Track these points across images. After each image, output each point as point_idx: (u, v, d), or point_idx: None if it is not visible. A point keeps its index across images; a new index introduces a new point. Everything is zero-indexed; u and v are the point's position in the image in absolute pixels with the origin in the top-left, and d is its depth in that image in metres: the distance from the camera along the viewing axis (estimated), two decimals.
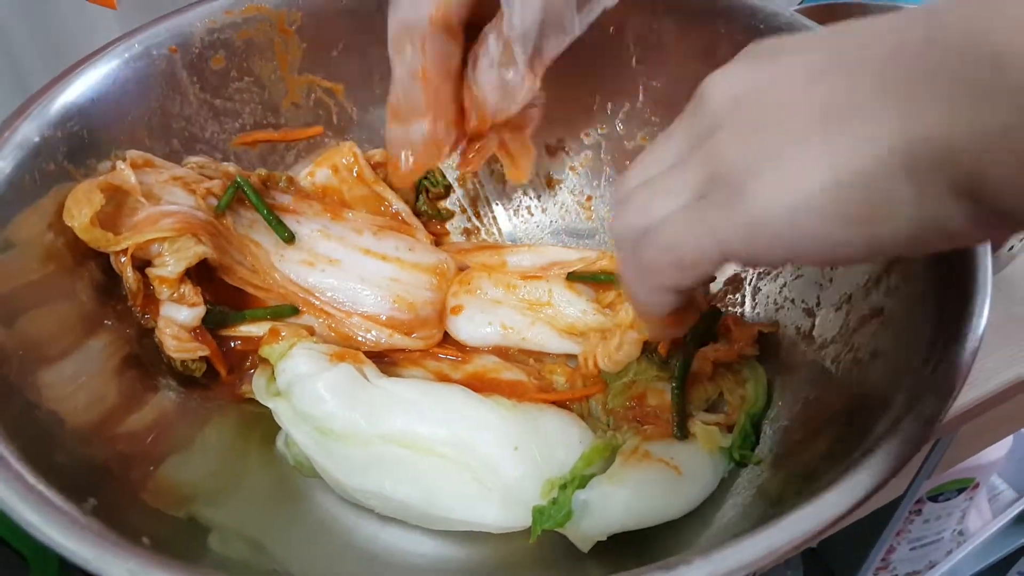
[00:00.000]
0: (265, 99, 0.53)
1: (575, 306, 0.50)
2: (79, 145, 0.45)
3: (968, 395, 0.57)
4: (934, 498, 0.86)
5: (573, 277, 0.51)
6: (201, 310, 0.45)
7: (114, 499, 0.37)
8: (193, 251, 0.44)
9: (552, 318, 0.50)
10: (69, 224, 0.42)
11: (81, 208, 0.42)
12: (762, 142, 0.27)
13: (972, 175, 0.24)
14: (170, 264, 0.44)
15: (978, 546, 1.05)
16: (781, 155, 0.27)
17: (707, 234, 0.29)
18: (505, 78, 0.43)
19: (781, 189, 0.26)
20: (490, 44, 0.43)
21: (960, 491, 0.87)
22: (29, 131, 0.43)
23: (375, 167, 0.55)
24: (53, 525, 0.30)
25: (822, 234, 0.26)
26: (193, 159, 0.50)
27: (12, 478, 0.32)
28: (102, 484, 0.37)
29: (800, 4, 0.70)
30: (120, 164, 0.45)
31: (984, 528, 1.04)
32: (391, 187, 0.55)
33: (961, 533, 1.04)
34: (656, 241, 0.31)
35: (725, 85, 0.30)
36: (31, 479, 0.32)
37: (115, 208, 0.45)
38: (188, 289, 0.45)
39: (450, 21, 0.42)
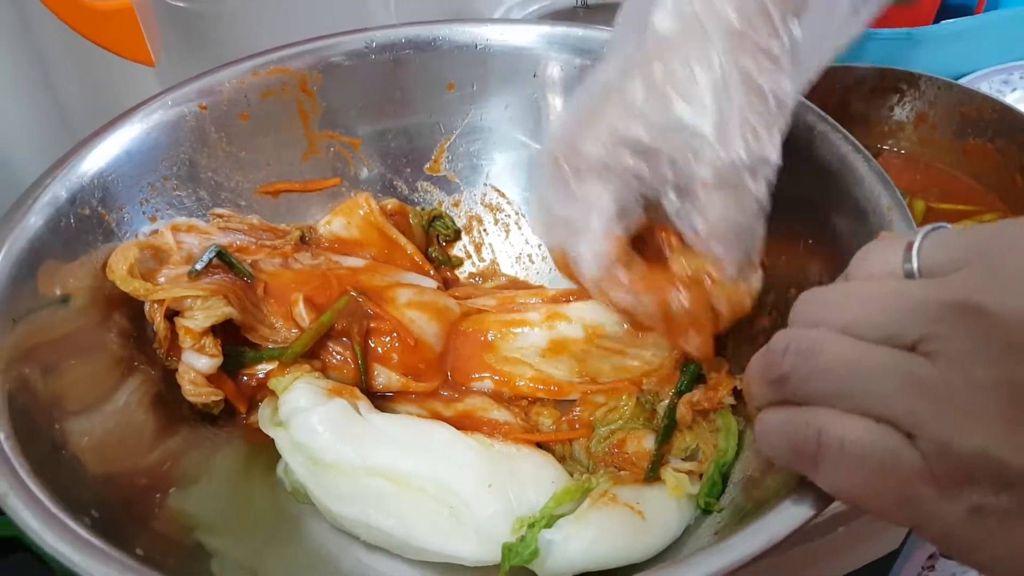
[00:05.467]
0: (287, 152, 0.57)
1: (561, 367, 0.53)
2: (113, 192, 0.50)
3: None
4: (948, 555, 0.85)
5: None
6: (218, 360, 0.49)
7: (126, 526, 0.40)
8: (221, 311, 0.48)
9: (540, 369, 0.53)
10: (110, 278, 0.47)
11: (119, 263, 0.48)
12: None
13: None
14: (198, 318, 0.48)
15: None
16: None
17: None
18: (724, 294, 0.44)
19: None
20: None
21: None
22: (66, 180, 0.48)
23: (388, 215, 0.59)
24: (62, 540, 0.34)
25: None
26: (218, 210, 0.54)
27: (40, 510, 0.34)
28: (116, 512, 0.40)
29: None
30: (163, 228, 0.51)
31: None
32: (404, 234, 0.59)
33: None
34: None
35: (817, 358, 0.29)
36: (54, 509, 0.35)
37: (158, 264, 0.50)
38: (208, 341, 0.48)
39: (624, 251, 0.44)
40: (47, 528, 0.33)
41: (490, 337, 0.54)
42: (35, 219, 0.45)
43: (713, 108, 0.40)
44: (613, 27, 0.45)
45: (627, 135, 0.41)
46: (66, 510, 0.34)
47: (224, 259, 0.51)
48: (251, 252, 0.53)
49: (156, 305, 0.48)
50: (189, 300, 0.48)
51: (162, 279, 0.49)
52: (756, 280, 0.45)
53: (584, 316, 0.52)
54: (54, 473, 0.36)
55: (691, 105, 0.40)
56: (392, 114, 0.59)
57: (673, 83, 0.40)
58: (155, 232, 0.51)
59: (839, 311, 0.30)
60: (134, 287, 0.48)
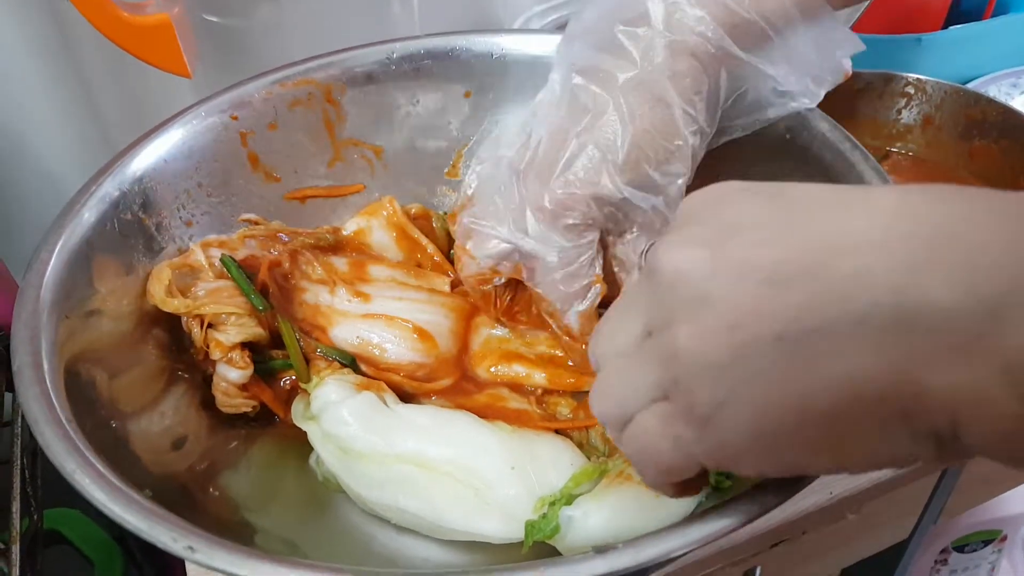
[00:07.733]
0: (314, 159, 0.60)
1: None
2: (152, 198, 0.53)
3: None
4: (960, 548, 0.86)
5: None
6: (248, 372, 0.51)
7: (182, 505, 0.42)
8: (253, 331, 0.52)
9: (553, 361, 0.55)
10: (151, 302, 0.50)
11: (155, 286, 0.51)
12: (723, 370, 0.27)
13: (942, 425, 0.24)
14: (231, 333, 0.51)
15: None
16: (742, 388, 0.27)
17: (682, 453, 0.30)
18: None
19: (746, 422, 0.27)
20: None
21: (986, 543, 0.87)
22: (111, 186, 0.50)
23: (412, 219, 0.62)
24: (127, 509, 0.36)
25: (788, 461, 0.28)
26: (246, 215, 0.57)
27: (110, 487, 0.37)
28: (172, 492, 0.44)
29: None
30: (193, 246, 0.53)
31: None
32: (425, 235, 0.62)
33: None
34: (634, 444, 0.31)
35: (675, 268, 0.28)
36: (119, 484, 0.37)
37: (193, 280, 0.53)
38: (237, 355, 0.51)
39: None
40: (114, 500, 0.35)
41: (503, 332, 0.56)
42: (87, 216, 0.48)
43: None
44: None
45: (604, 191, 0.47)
46: (128, 487, 0.37)
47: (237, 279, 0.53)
48: (281, 266, 0.55)
49: (194, 319, 0.51)
50: (225, 315, 0.51)
51: (201, 292, 0.52)
52: None
53: None
54: (113, 456, 0.39)
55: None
56: (412, 121, 0.62)
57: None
58: (186, 251, 0.54)
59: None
60: (175, 306, 0.50)
